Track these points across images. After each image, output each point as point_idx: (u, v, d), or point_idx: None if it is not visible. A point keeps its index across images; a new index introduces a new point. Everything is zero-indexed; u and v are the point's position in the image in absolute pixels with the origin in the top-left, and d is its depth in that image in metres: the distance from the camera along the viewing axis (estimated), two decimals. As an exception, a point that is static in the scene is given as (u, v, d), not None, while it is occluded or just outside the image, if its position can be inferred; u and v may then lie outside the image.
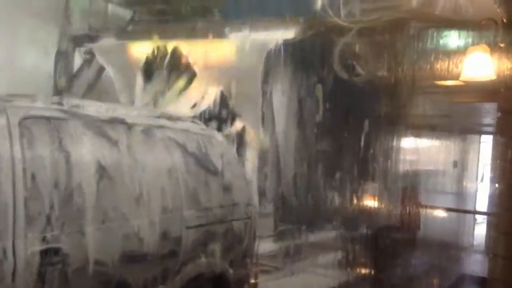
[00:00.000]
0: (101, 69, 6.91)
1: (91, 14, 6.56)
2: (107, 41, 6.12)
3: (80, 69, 6.58)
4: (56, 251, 2.71)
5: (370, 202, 5.72)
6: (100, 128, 3.18)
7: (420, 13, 4.82)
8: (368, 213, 5.74)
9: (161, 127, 3.69)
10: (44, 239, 2.67)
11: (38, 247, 2.64)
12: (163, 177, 3.49)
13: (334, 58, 5.07)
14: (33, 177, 2.68)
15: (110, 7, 7.52)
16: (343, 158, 6.04)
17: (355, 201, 5.94)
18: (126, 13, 6.99)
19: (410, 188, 5.94)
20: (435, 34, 4.64)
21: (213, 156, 4.02)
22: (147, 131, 3.52)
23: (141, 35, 5.90)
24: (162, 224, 3.37)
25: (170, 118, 3.95)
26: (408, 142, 7.12)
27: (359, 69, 5.20)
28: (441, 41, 4.53)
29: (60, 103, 3.13)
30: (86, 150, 3.01)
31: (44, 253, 2.66)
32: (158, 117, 3.85)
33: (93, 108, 3.28)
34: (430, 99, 6.60)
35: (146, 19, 6.33)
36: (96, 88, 7.05)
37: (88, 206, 2.92)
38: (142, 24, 6.11)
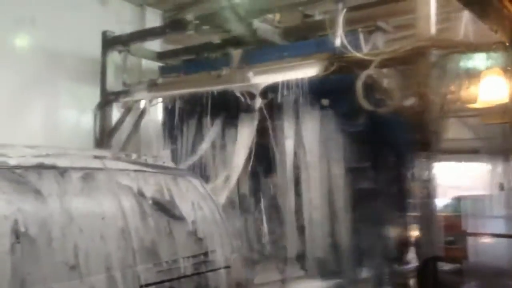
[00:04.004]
0: (138, 121, 7.22)
1: (125, 70, 6.89)
2: (140, 95, 6.40)
3: (118, 122, 6.87)
4: None
5: (412, 234, 5.59)
6: (20, 177, 2.59)
7: (439, 40, 4.84)
8: (411, 246, 5.60)
9: (108, 170, 3.10)
10: None
11: None
12: (108, 232, 2.87)
13: (358, 91, 5.10)
14: None
15: (143, 62, 7.95)
16: (382, 193, 5.93)
17: (396, 235, 5.82)
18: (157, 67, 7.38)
19: (454, 215, 5.76)
20: (455, 59, 4.63)
21: (180, 200, 3.48)
22: (88, 176, 2.92)
23: (170, 86, 6.14)
24: (108, 288, 2.74)
25: (124, 158, 3.42)
26: (447, 168, 6.95)
27: (383, 100, 5.20)
28: (462, 66, 4.51)
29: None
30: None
31: None
32: (108, 158, 3.30)
33: (17, 153, 2.72)
34: (465, 123, 6.50)
35: (175, 70, 6.57)
36: (135, 140, 7.37)
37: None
38: (170, 75, 6.35)
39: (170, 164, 3.90)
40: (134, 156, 3.56)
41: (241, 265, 3.95)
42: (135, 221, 3.03)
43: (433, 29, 5.01)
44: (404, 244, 5.71)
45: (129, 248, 2.94)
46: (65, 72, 7.08)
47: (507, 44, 3.35)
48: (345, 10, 5.37)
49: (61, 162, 2.81)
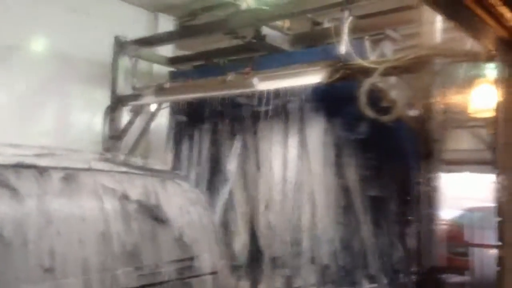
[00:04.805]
0: (147, 125, 7.33)
1: (135, 75, 7.00)
2: (148, 99, 6.49)
3: (127, 126, 6.97)
4: None
5: (414, 244, 5.52)
6: None
7: (443, 49, 4.81)
8: (412, 256, 5.52)
9: (93, 171, 3.02)
10: None
11: None
12: (88, 234, 2.79)
13: (361, 98, 5.08)
14: None
15: (155, 67, 8.06)
16: (385, 201, 5.88)
17: (399, 245, 5.75)
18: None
19: (456, 226, 5.68)
20: (458, 68, 4.58)
21: (167, 203, 3.40)
22: (69, 177, 2.83)
23: (177, 91, 6.21)
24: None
25: (110, 160, 3.37)
26: (453, 178, 6.83)
27: (388, 109, 5.17)
28: (463, 75, 4.46)
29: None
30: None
31: None
32: (93, 159, 3.25)
33: None
34: (474, 133, 6.40)
35: (184, 76, 6.64)
36: (144, 143, 7.48)
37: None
38: (179, 80, 6.42)
39: (161, 166, 3.86)
40: (122, 158, 3.56)
41: (229, 272, 3.91)
42: (117, 224, 2.98)
43: (437, 38, 4.98)
44: (406, 254, 5.63)
45: (109, 252, 2.89)
46: (77, 76, 7.23)
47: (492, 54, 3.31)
48: (350, 18, 5.36)
49: (42, 162, 2.76)
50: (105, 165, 3.21)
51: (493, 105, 3.29)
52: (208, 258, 3.58)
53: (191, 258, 3.43)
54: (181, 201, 3.55)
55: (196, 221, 3.59)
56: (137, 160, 3.67)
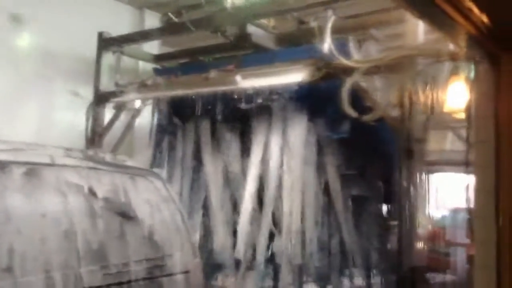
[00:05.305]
0: (131, 123, 7.25)
1: (118, 71, 6.93)
2: (130, 96, 6.42)
3: (109, 123, 6.90)
4: None
5: (396, 244, 5.49)
6: None
7: (425, 49, 4.79)
8: (394, 256, 5.49)
9: (57, 166, 2.92)
10: None
11: None
12: (50, 232, 2.69)
13: (343, 98, 5.04)
14: None
15: (142, 64, 7.99)
16: (367, 201, 5.85)
17: (380, 245, 5.72)
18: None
19: (439, 227, 5.66)
20: (440, 68, 4.56)
21: (136, 200, 3.33)
22: (31, 172, 2.73)
23: (160, 87, 6.15)
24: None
25: (77, 155, 3.23)
26: (437, 179, 6.81)
27: (368, 108, 5.14)
28: (445, 75, 4.44)
29: None
30: None
31: None
32: (59, 154, 3.11)
33: None
34: (454, 134, 6.39)
35: (169, 73, 6.57)
36: (128, 141, 7.40)
37: None
38: (162, 77, 6.36)
39: (132, 163, 3.73)
40: (90, 153, 3.42)
41: (202, 271, 3.82)
42: (81, 221, 2.90)
43: (420, 38, 4.96)
44: (387, 253, 5.61)
45: (73, 250, 2.79)
46: (60, 72, 7.15)
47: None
48: (333, 17, 5.33)
49: (3, 156, 2.64)
50: (70, 161, 3.09)
51: (465, 103, 3.28)
52: (180, 257, 3.51)
53: (162, 257, 3.33)
54: (152, 199, 3.48)
55: (168, 219, 3.52)
56: (106, 156, 3.55)
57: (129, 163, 3.64)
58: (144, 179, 3.55)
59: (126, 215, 3.21)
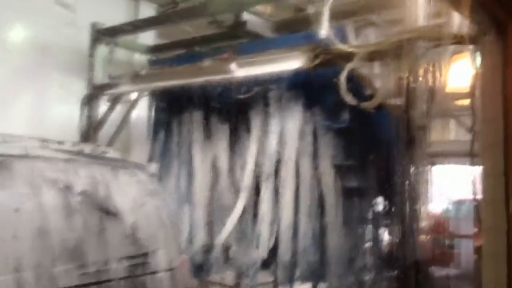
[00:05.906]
0: (127, 115, 7.09)
1: (112, 63, 6.77)
2: (124, 88, 6.25)
3: (104, 116, 6.75)
4: None
5: (397, 237, 5.30)
6: None
7: (426, 32, 4.58)
8: (395, 250, 5.31)
9: (30, 158, 2.75)
10: None
11: None
12: (20, 229, 2.52)
13: (341, 84, 4.85)
14: None
15: (137, 56, 7.80)
16: (368, 192, 5.65)
17: (380, 238, 5.54)
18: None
19: (442, 218, 5.45)
20: (441, 51, 4.35)
21: (117, 195, 3.11)
22: (3, 164, 2.57)
23: (154, 78, 5.97)
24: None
25: (54, 147, 3.06)
26: (441, 170, 6.60)
27: (368, 94, 4.95)
28: (447, 59, 4.23)
29: None
30: None
31: None
32: (35, 146, 2.94)
33: None
34: (458, 123, 6.17)
35: (163, 64, 6.40)
36: (124, 134, 7.24)
37: None
38: (156, 67, 6.18)
39: (115, 155, 3.52)
40: (69, 144, 3.22)
41: (188, 268, 3.61)
42: (57, 217, 2.69)
43: (420, 21, 4.75)
44: (388, 247, 5.41)
45: (46, 248, 2.61)
46: (54, 64, 6.98)
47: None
48: (331, 0, 5.12)
49: None
50: (45, 152, 2.90)
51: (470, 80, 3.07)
52: (164, 254, 3.30)
53: (145, 254, 3.14)
54: (135, 193, 3.26)
55: (152, 214, 3.29)
56: (87, 147, 3.36)
57: (111, 154, 3.42)
58: (127, 172, 3.33)
59: (106, 210, 3.00)
